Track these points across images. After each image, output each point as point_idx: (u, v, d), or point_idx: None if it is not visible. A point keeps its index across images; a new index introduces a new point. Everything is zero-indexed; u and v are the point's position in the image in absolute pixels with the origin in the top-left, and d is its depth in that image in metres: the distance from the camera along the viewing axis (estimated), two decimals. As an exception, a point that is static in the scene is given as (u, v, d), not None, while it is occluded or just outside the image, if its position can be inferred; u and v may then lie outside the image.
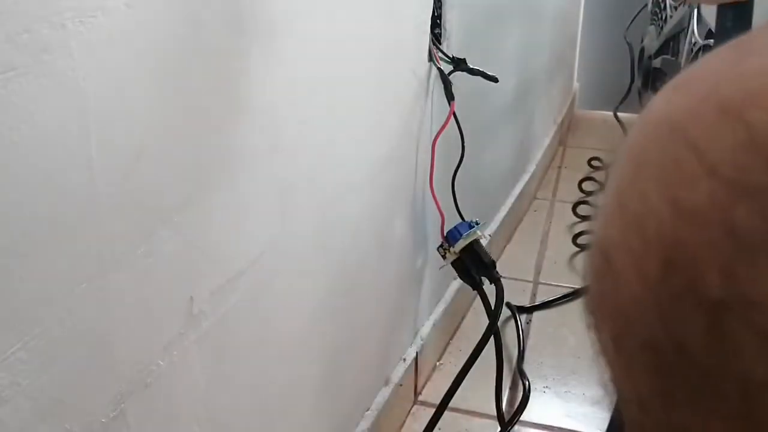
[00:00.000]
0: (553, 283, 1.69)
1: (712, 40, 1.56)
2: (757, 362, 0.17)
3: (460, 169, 1.21)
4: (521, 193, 1.95)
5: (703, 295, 0.18)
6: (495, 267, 1.15)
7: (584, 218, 1.90)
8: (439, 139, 1.14)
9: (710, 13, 1.64)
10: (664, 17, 2.15)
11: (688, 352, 0.19)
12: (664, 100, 0.21)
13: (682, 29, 1.90)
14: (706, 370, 0.18)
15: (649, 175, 0.20)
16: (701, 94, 0.19)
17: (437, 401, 1.14)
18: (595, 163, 2.22)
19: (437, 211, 1.15)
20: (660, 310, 0.19)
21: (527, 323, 1.55)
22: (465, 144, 1.18)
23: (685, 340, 0.19)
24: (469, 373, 1.12)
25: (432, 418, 1.14)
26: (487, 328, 1.14)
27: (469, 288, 1.18)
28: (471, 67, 1.15)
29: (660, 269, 0.19)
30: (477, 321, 1.47)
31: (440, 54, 1.14)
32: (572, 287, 1.63)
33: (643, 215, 0.19)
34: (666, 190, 0.19)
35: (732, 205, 0.18)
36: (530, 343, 1.48)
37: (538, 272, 1.75)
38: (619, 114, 2.47)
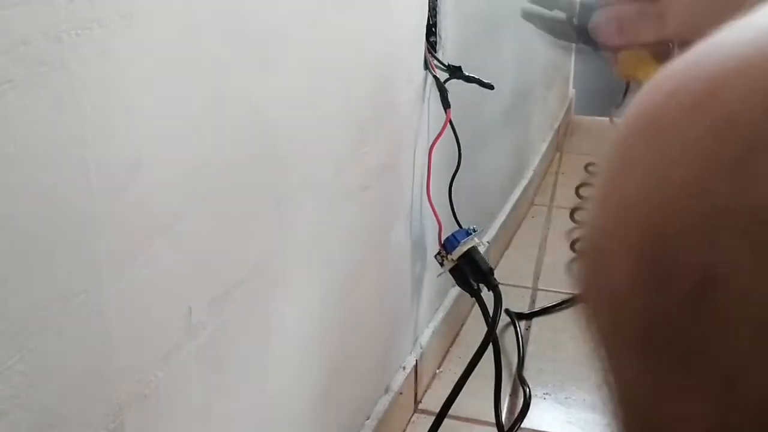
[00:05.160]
0: (552, 289, 1.69)
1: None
2: (739, 347, 0.18)
3: (457, 176, 1.21)
4: (519, 200, 1.95)
5: (688, 276, 0.19)
6: (493, 274, 1.15)
7: (582, 224, 1.90)
8: (435, 147, 1.14)
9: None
10: (658, 23, 2.15)
11: (677, 337, 0.19)
12: (642, 98, 0.23)
13: (676, 34, 1.91)
14: (690, 346, 0.19)
15: (634, 162, 0.21)
16: (674, 88, 0.21)
17: (437, 409, 1.14)
18: (591, 168, 2.23)
19: (434, 218, 1.15)
20: (651, 293, 0.20)
21: (526, 329, 1.55)
22: (462, 151, 1.19)
23: (675, 325, 0.19)
24: (468, 381, 1.12)
25: (432, 426, 1.14)
26: (485, 336, 1.14)
27: (469, 295, 1.18)
28: (467, 74, 1.16)
29: (650, 252, 0.20)
30: (476, 328, 1.47)
31: (436, 62, 1.14)
32: (571, 293, 1.63)
33: (632, 199, 0.21)
34: (652, 171, 0.20)
35: (711, 178, 0.19)
36: (530, 350, 1.47)
37: (536, 278, 1.75)
38: (615, 120, 2.47)
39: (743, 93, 0.19)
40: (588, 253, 0.23)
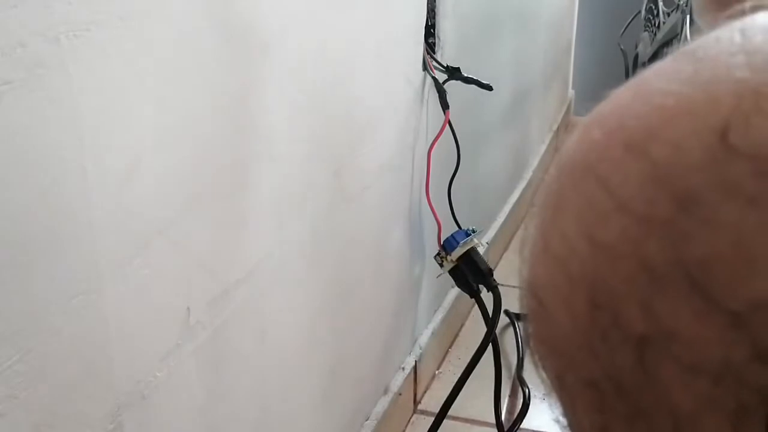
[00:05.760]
0: (551, 290, 1.69)
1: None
2: (683, 394, 0.18)
3: (456, 177, 1.21)
4: (518, 201, 1.95)
5: (627, 331, 0.18)
6: (492, 275, 1.15)
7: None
8: (434, 148, 1.14)
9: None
10: (657, 24, 2.16)
11: (623, 387, 0.19)
12: (578, 138, 0.21)
13: (675, 35, 1.91)
14: (640, 405, 0.19)
15: (568, 214, 0.20)
16: (609, 131, 0.20)
17: (437, 410, 1.14)
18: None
19: (434, 219, 1.15)
20: (592, 348, 0.19)
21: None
22: (461, 152, 1.19)
23: (619, 377, 0.19)
24: (468, 381, 1.12)
25: (431, 426, 1.14)
26: (485, 337, 1.14)
27: (468, 296, 1.18)
28: (465, 75, 1.16)
29: (586, 308, 0.19)
30: (476, 329, 1.47)
31: (434, 63, 1.14)
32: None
33: (565, 255, 0.20)
34: (583, 228, 0.19)
35: (643, 239, 0.18)
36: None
37: (536, 279, 1.74)
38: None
39: (677, 138, 0.18)
40: (530, 302, 0.22)
